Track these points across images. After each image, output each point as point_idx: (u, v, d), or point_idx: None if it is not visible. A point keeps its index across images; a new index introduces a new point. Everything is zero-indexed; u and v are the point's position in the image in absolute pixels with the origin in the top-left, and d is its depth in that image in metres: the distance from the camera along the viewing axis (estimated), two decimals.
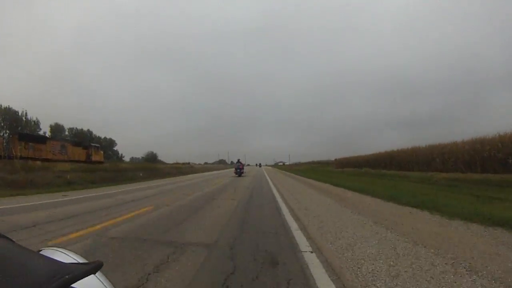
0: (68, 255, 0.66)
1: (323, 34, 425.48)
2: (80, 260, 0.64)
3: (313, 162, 68.51)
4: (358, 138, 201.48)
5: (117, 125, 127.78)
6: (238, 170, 22.72)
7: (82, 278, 0.43)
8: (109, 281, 0.61)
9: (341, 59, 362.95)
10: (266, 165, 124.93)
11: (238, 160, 24.87)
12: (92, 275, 0.51)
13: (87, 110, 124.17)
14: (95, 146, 29.59)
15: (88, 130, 50.66)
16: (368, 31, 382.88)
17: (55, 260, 0.49)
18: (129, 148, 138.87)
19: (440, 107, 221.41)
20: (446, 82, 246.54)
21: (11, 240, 0.56)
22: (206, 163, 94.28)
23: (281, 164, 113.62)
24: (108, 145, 52.71)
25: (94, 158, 27.75)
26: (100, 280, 0.58)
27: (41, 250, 0.69)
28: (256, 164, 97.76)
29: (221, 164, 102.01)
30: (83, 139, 38.59)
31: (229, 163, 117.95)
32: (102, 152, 31.32)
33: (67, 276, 0.40)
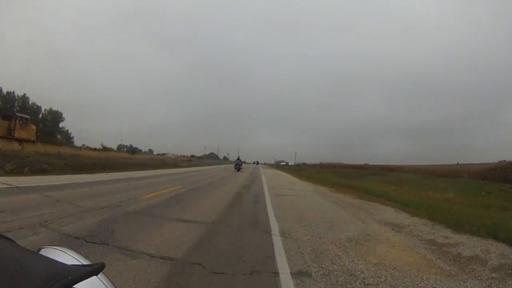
0: (69, 255, 0.62)
1: (337, 26, 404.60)
2: (82, 260, 0.60)
3: (321, 165, 56.41)
4: (369, 142, 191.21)
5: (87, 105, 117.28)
6: (237, 166, 28.08)
7: (83, 280, 0.41)
8: (111, 282, 0.57)
9: (356, 55, 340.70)
10: (264, 163, 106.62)
11: (238, 157, 30.72)
12: (94, 277, 0.48)
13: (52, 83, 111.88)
14: (22, 117, 23.49)
15: (24, 96, 39.13)
16: (389, 26, 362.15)
17: (56, 261, 0.48)
18: (107, 133, 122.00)
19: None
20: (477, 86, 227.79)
21: (11, 240, 0.54)
22: (192, 156, 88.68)
23: (284, 164, 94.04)
24: (51, 119, 41.74)
25: (19, 134, 21.54)
26: (103, 282, 0.54)
27: (42, 249, 0.65)
28: (254, 162, 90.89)
29: (212, 159, 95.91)
30: (5, 107, 33.08)
31: (221, 158, 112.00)
32: (33, 127, 25.47)
33: (69, 277, 0.39)
